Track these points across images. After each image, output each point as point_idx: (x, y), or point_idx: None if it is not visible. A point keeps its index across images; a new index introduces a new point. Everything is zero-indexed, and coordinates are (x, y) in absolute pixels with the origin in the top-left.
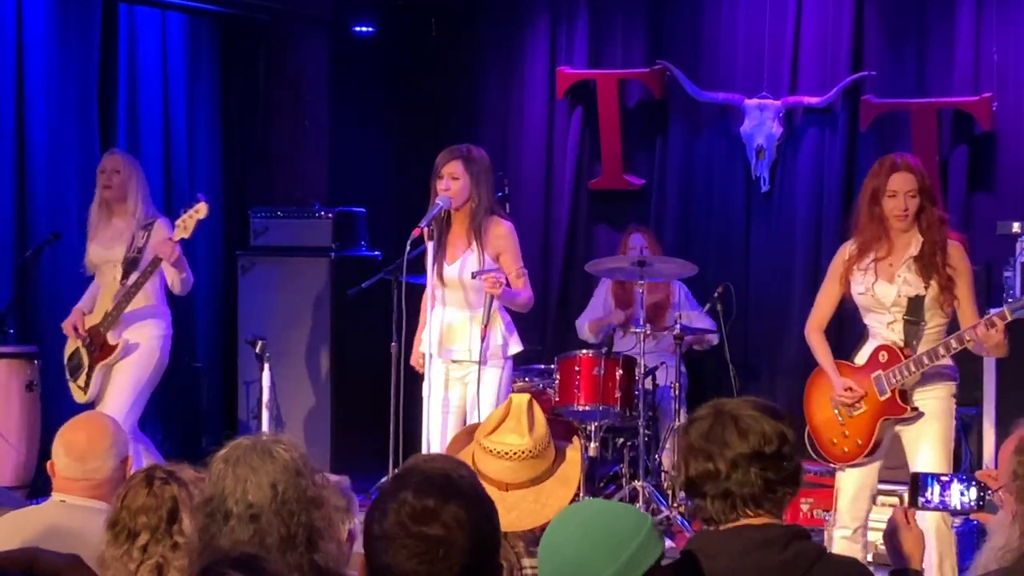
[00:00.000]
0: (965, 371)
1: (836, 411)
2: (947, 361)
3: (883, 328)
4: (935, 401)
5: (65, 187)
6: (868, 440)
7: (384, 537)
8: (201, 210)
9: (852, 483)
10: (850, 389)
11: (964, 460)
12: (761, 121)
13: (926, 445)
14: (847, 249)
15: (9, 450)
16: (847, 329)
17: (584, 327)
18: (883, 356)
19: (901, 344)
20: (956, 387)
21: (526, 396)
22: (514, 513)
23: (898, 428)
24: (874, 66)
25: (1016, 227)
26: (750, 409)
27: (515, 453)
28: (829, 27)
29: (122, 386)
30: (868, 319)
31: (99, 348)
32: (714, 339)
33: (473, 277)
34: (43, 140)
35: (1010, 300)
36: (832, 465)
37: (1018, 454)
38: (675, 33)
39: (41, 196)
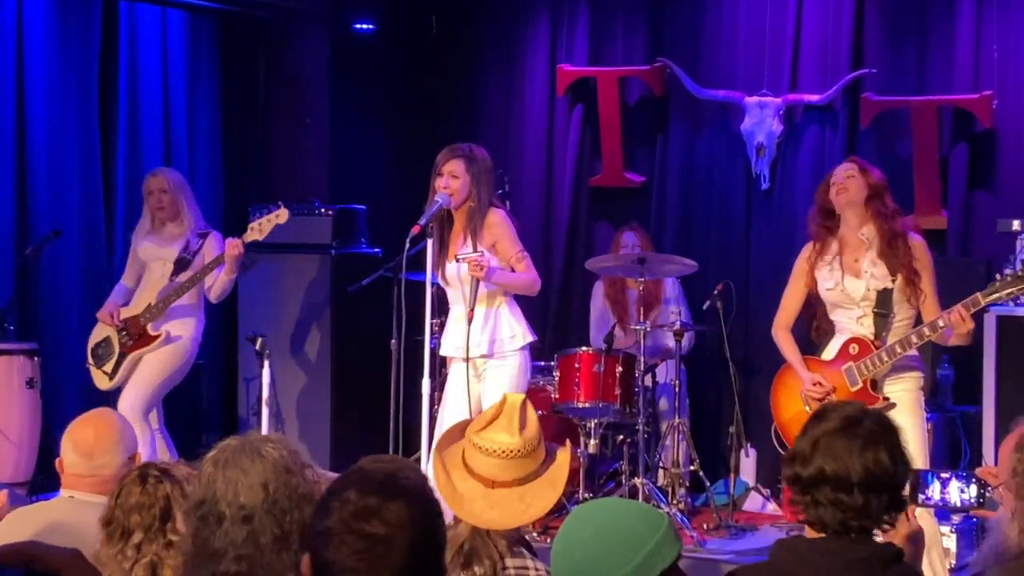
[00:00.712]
0: (964, 369)
1: (806, 406)
2: (913, 352)
3: (852, 323)
4: (905, 393)
5: (66, 185)
6: None
7: (326, 534)
8: (282, 215)
9: None
10: (819, 384)
11: (964, 457)
12: (761, 119)
13: None
14: (809, 248)
15: (9, 447)
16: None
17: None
18: (854, 348)
19: (871, 336)
20: (923, 378)
21: (520, 396)
22: (497, 511)
23: None
24: (874, 64)
25: (1016, 225)
26: (892, 436)
27: (503, 451)
28: (829, 25)
29: (146, 377)
30: (835, 315)
31: (135, 337)
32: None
33: (457, 261)
34: (43, 138)
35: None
36: None
37: (1018, 451)
38: (675, 31)
39: (42, 193)
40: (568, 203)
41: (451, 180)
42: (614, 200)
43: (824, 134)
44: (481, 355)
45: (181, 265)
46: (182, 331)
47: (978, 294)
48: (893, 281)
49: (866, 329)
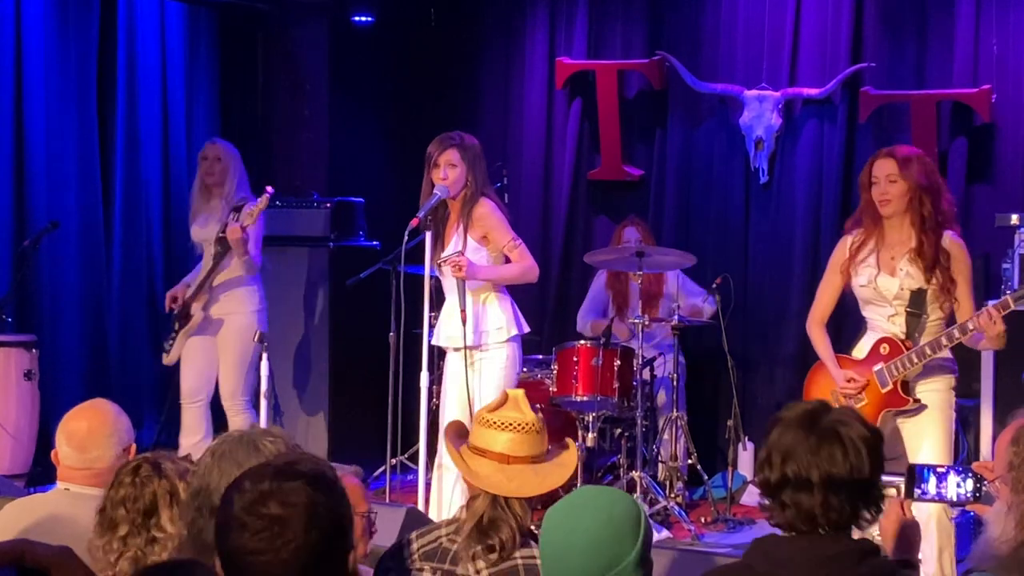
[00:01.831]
0: (962, 363)
1: (837, 405)
2: (946, 353)
3: (884, 321)
4: (935, 394)
5: (64, 176)
6: None
7: (227, 523)
8: (263, 201)
9: None
10: (852, 380)
11: (962, 451)
12: (760, 112)
13: (928, 439)
14: (848, 241)
15: (7, 439)
16: (846, 323)
17: (587, 325)
18: (884, 348)
19: (903, 336)
20: (956, 379)
21: (519, 391)
22: (515, 482)
23: (899, 421)
24: (873, 57)
25: (1015, 219)
26: (847, 422)
27: (519, 424)
28: (829, 18)
29: (230, 364)
30: (868, 312)
31: (184, 317)
32: (711, 310)
33: (438, 266)
34: (42, 129)
35: (1011, 290)
36: None
37: (1014, 444)
38: (674, 24)
39: (40, 185)
40: (567, 196)
41: (448, 170)
42: (612, 193)
43: (823, 128)
44: (469, 346)
45: (223, 243)
46: (235, 307)
47: (1008, 296)
48: (927, 283)
49: (898, 328)
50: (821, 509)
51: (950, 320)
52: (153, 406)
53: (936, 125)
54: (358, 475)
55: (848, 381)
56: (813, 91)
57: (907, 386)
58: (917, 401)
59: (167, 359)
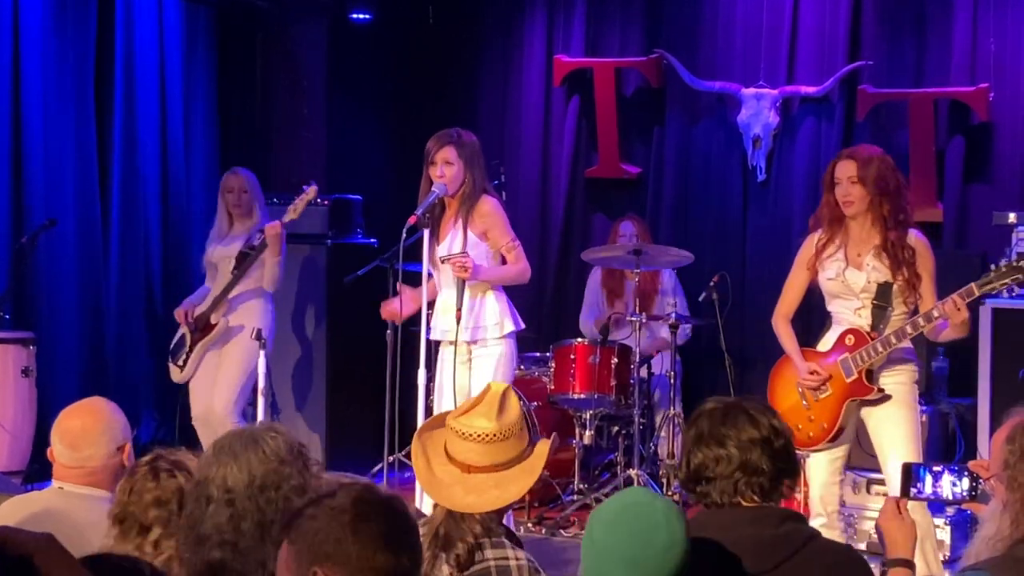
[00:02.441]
0: (960, 362)
1: (802, 397)
2: (907, 344)
3: (850, 314)
4: (899, 386)
5: (62, 173)
6: (833, 423)
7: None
8: (311, 193)
9: (821, 470)
10: (815, 372)
11: (959, 450)
12: (758, 110)
13: (894, 430)
14: (815, 238)
15: (4, 435)
16: (815, 317)
17: (592, 327)
18: (850, 339)
19: (868, 328)
20: (917, 371)
21: (504, 384)
22: (473, 496)
23: (863, 412)
24: (871, 56)
25: (1012, 217)
26: (755, 403)
27: (479, 435)
28: (826, 16)
29: (227, 375)
30: (834, 306)
31: (201, 329)
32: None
33: (442, 263)
34: (39, 126)
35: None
36: (798, 451)
37: (1009, 443)
38: (672, 22)
39: (37, 182)
40: (564, 194)
41: (445, 168)
42: (610, 191)
43: (820, 126)
44: (466, 341)
45: (243, 259)
46: (247, 320)
47: (973, 284)
48: (894, 277)
49: (864, 321)
50: (741, 471)
51: (914, 315)
52: (151, 404)
53: (934, 123)
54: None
55: (811, 373)
56: (811, 89)
57: (872, 375)
58: (881, 391)
59: (181, 375)
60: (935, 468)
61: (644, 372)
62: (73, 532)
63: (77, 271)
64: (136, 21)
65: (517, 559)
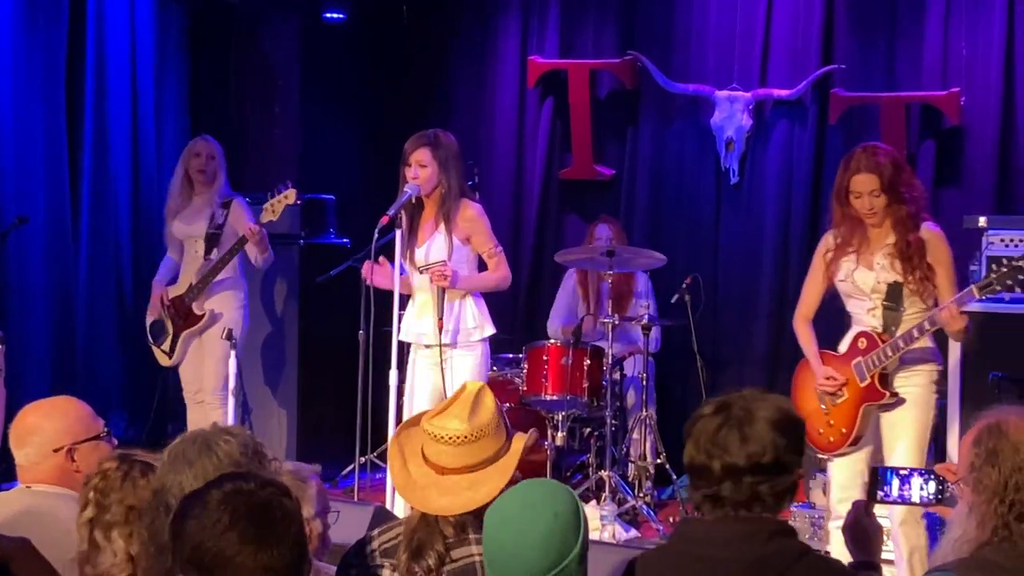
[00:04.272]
0: None
1: (821, 401)
2: (926, 343)
3: (864, 314)
4: (915, 389)
5: (32, 171)
6: (851, 427)
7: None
8: (291, 196)
9: (841, 474)
10: (831, 377)
11: (929, 452)
12: (731, 113)
13: (902, 435)
14: (830, 239)
15: None
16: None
17: (558, 330)
18: (862, 343)
19: (880, 330)
20: (939, 371)
21: (479, 384)
22: (447, 498)
23: (881, 414)
24: (844, 59)
25: (982, 221)
26: (764, 412)
27: (451, 437)
28: (800, 20)
29: (217, 353)
30: (850, 306)
31: (184, 317)
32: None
33: (420, 272)
34: (10, 123)
35: (975, 282)
36: (820, 456)
37: (975, 446)
38: (646, 24)
39: (8, 180)
40: (538, 195)
41: (419, 169)
42: (584, 193)
43: (793, 129)
44: (444, 344)
45: (212, 241)
46: (224, 306)
47: (973, 287)
48: (904, 275)
49: (876, 321)
50: (725, 491)
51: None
52: (121, 403)
53: (905, 127)
54: (317, 474)
55: (827, 378)
56: (784, 92)
57: (885, 379)
58: (895, 395)
59: (170, 360)
60: (902, 471)
61: (616, 374)
62: (47, 531)
63: (47, 270)
64: (108, 19)
65: (481, 556)
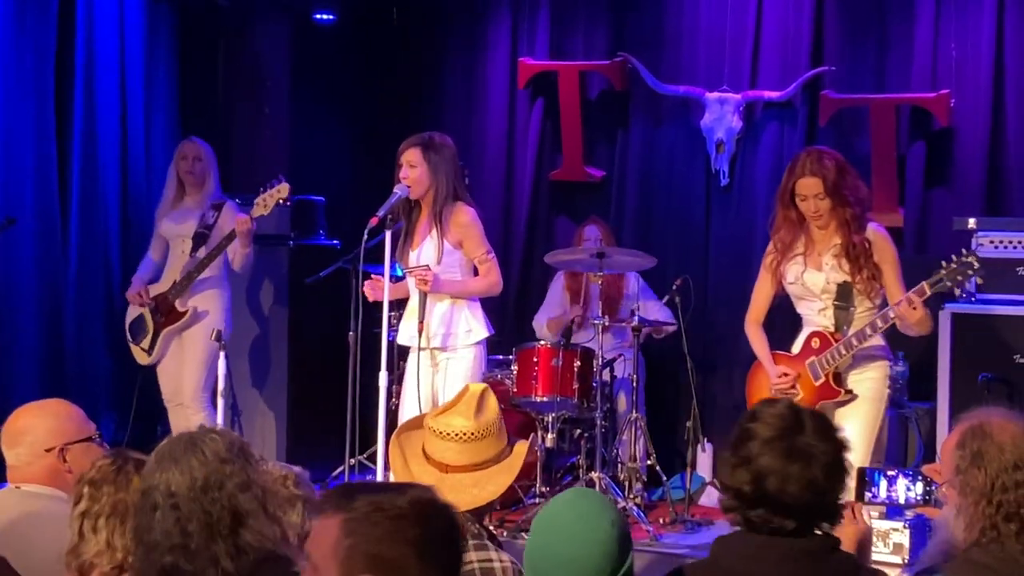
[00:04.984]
0: (921, 365)
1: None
2: (878, 341)
3: (815, 315)
4: (867, 383)
5: (21, 172)
6: None
7: None
8: (283, 190)
9: None
10: (785, 375)
11: (918, 455)
12: (721, 115)
13: (849, 425)
14: (776, 243)
15: None
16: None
17: (543, 326)
18: (815, 342)
19: (832, 329)
20: (891, 367)
21: (482, 385)
22: (451, 496)
23: (837, 413)
24: (834, 61)
25: (972, 223)
26: (827, 446)
27: (457, 434)
28: (790, 22)
29: (199, 355)
30: (800, 308)
31: (165, 314)
32: (671, 328)
33: (403, 276)
34: None
35: (927, 279)
36: None
37: (959, 448)
38: (637, 26)
39: None
40: (528, 196)
41: (409, 170)
42: (574, 194)
43: (783, 131)
44: (436, 347)
45: (200, 240)
46: (209, 305)
47: (924, 283)
48: (853, 275)
49: (828, 321)
50: (794, 529)
51: (883, 308)
52: (110, 404)
53: (895, 129)
54: (303, 476)
55: (780, 376)
56: (774, 94)
57: (839, 378)
58: (850, 392)
59: (149, 358)
60: (890, 472)
61: (607, 375)
62: (39, 532)
63: (35, 271)
64: (97, 19)
65: (501, 561)
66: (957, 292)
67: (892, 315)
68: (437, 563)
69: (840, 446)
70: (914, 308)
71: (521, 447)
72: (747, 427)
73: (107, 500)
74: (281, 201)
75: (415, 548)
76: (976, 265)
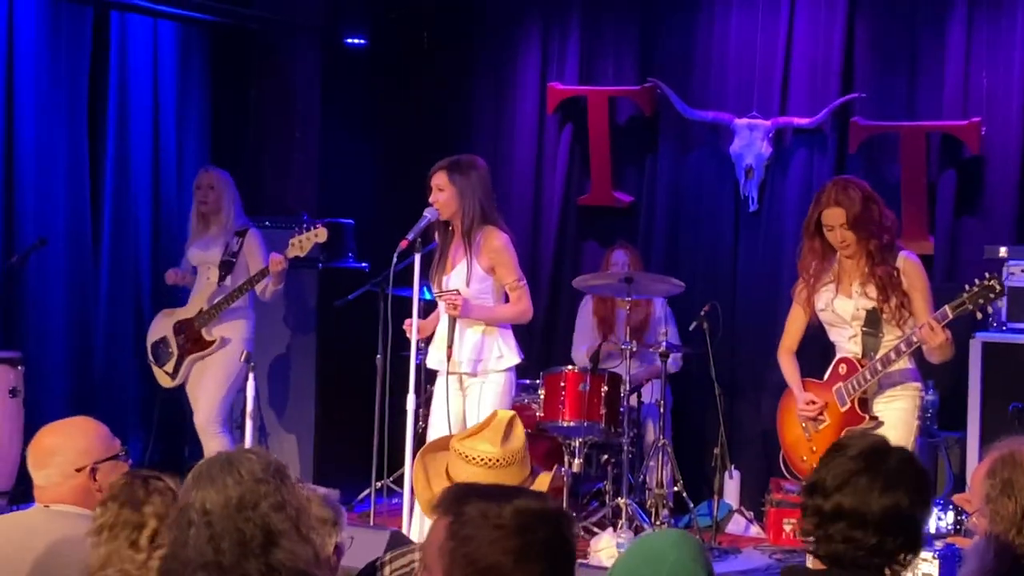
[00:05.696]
0: (950, 394)
1: (804, 428)
2: (905, 365)
3: (845, 342)
4: (894, 412)
5: (53, 194)
6: None
7: None
8: (321, 234)
9: None
10: (811, 402)
11: (948, 484)
12: (751, 141)
13: None
14: (807, 273)
15: None
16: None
17: (584, 356)
18: (842, 368)
19: (860, 356)
20: (921, 392)
21: (510, 412)
22: None
23: None
24: (864, 88)
25: (1003, 251)
26: (915, 467)
27: (483, 459)
28: (820, 48)
29: (210, 388)
30: (832, 335)
31: (192, 341)
32: (676, 364)
33: (435, 299)
34: (32, 147)
35: (953, 301)
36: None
37: (990, 477)
38: (666, 51)
39: (29, 202)
40: (556, 221)
41: (437, 193)
42: (602, 219)
43: (813, 157)
44: (466, 372)
45: (226, 268)
46: (233, 333)
47: (947, 307)
48: (882, 303)
49: (858, 348)
50: (874, 549)
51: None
52: (139, 424)
53: (926, 157)
54: (334, 498)
55: (807, 404)
56: (803, 120)
57: (865, 404)
58: (875, 419)
59: (172, 382)
60: None
61: (634, 400)
62: (57, 553)
63: (66, 291)
64: (130, 42)
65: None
66: (979, 316)
67: (915, 339)
68: (536, 572)
69: (924, 472)
70: (935, 332)
71: (544, 478)
72: (829, 451)
73: (112, 506)
74: (319, 243)
75: (513, 556)
76: (998, 288)
